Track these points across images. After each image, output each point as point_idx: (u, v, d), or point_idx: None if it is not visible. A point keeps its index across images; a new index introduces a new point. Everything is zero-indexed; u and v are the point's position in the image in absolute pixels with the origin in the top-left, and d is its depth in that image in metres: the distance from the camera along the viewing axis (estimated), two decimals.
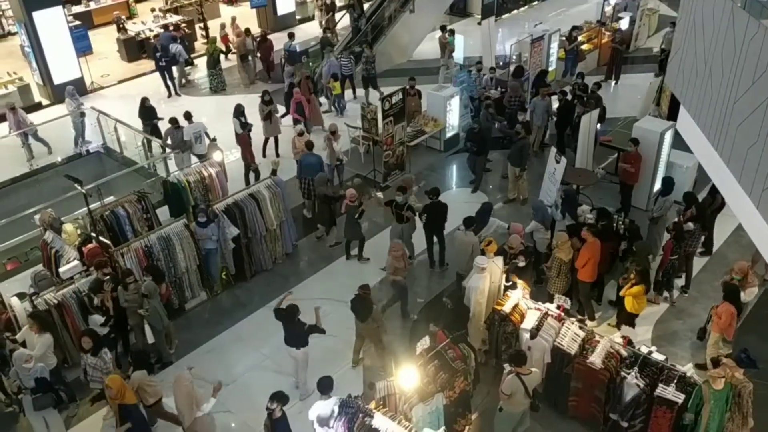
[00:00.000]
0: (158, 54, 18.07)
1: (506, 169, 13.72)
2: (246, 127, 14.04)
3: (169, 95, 18.39)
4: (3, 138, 15.25)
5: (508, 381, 7.85)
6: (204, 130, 14.04)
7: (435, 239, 11.61)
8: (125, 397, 7.92)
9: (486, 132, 13.82)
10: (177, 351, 10.28)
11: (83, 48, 18.83)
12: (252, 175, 13.98)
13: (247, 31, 19.07)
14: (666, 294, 10.92)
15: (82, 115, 15.80)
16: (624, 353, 8.42)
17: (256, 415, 8.95)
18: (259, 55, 19.14)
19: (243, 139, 14.06)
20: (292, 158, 13.74)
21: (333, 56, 17.20)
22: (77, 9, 22.72)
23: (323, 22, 21.23)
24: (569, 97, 14.56)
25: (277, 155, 15.00)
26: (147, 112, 15.03)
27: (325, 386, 7.68)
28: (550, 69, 17.46)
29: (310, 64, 18.57)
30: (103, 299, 9.49)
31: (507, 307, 9.10)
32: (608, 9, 20.43)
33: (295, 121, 15.30)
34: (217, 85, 18.79)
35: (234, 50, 19.48)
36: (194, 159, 13.88)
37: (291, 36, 18.81)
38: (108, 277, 9.55)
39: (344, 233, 11.96)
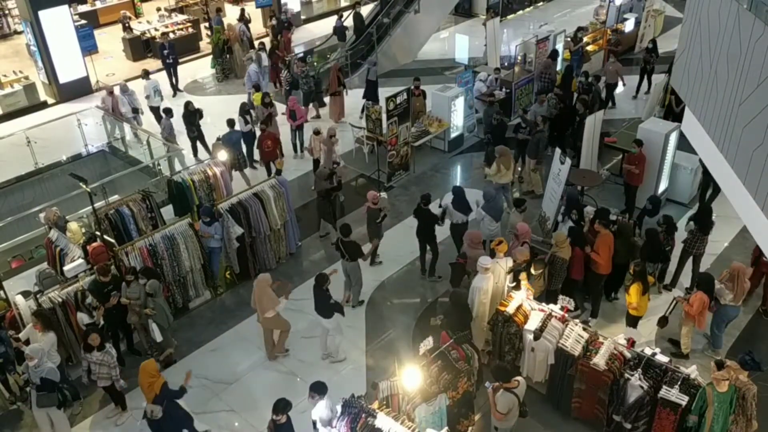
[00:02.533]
0: (165, 51, 18.17)
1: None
2: (269, 104, 14.46)
3: (174, 94, 18.47)
4: (8, 136, 15.30)
5: (503, 399, 7.73)
6: (158, 86, 16.29)
7: (428, 248, 11.52)
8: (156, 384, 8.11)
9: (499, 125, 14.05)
10: (180, 350, 10.29)
11: (89, 47, 18.88)
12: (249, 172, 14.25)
13: (261, 45, 18.74)
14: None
15: (135, 111, 15.87)
16: (628, 355, 8.41)
17: (259, 415, 9.00)
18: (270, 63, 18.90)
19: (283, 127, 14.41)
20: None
21: (255, 64, 17.02)
22: (83, 8, 22.78)
23: (271, 42, 19.81)
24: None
25: (281, 155, 15.03)
26: (191, 116, 14.54)
27: (318, 389, 7.67)
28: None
29: (315, 63, 18.59)
30: (100, 305, 9.50)
31: (511, 308, 9.09)
32: (603, 12, 20.51)
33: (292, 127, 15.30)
34: (223, 73, 19.33)
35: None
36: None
37: (340, 16, 19.85)
38: (111, 286, 9.57)
39: (368, 235, 12.00)
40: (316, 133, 13.54)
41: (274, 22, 20.41)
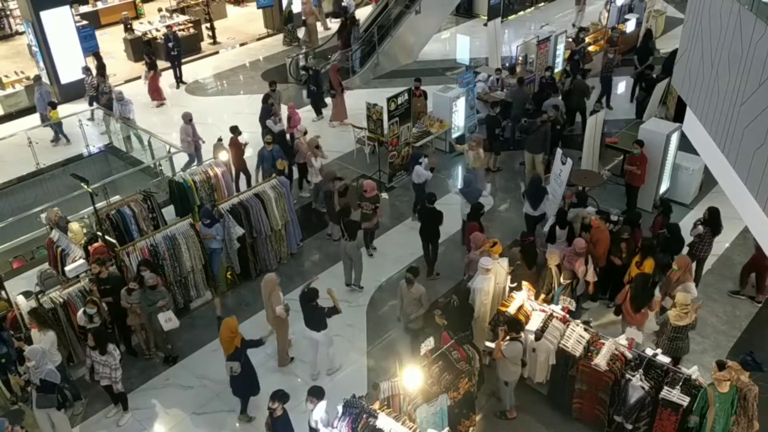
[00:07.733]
0: (170, 44, 18.37)
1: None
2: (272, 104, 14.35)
3: (177, 86, 18.64)
4: (10, 137, 15.32)
5: (511, 347, 8.25)
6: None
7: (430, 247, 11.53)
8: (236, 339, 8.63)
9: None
10: (181, 350, 10.30)
11: (90, 48, 18.91)
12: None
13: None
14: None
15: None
16: (629, 355, 8.41)
17: (259, 415, 8.99)
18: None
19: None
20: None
21: (46, 83, 16.57)
22: (84, 9, 22.84)
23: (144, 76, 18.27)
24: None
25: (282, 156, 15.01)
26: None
27: (316, 393, 7.66)
28: (556, 70, 17.46)
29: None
30: (94, 301, 9.47)
31: (512, 309, 9.09)
32: (605, 13, 20.44)
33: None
34: (288, 38, 21.69)
35: None
36: None
37: None
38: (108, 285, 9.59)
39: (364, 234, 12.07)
40: (304, 133, 13.44)
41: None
